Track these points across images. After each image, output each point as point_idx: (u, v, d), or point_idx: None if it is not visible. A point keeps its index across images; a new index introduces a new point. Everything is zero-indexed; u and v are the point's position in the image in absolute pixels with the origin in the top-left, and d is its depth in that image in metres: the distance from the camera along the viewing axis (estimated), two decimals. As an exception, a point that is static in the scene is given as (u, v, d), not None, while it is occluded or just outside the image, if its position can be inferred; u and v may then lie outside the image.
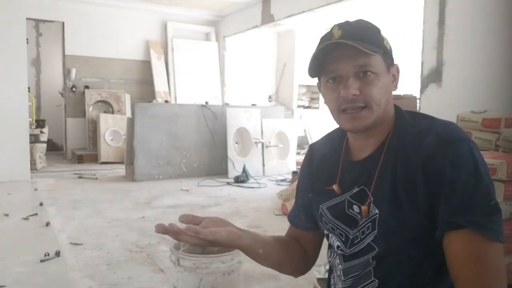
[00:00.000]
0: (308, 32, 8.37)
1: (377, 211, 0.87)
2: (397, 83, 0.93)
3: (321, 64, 0.90)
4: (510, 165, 2.16)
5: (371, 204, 0.89)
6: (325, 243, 1.07)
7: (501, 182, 2.17)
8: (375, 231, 0.88)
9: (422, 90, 4.04)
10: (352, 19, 0.94)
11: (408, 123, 0.90)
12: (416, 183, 0.82)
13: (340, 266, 0.97)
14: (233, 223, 0.94)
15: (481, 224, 0.76)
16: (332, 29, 0.90)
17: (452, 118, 3.32)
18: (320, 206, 1.01)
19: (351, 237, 0.94)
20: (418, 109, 4.00)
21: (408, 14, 6.37)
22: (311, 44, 8.45)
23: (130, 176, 5.47)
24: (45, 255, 2.56)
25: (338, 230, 0.97)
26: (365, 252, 0.90)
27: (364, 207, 0.89)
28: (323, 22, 7.73)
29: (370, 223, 0.89)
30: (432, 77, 3.93)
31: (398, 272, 0.87)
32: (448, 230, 0.79)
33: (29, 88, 6.01)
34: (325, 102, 0.95)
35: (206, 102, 6.08)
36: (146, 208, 3.97)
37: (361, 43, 0.84)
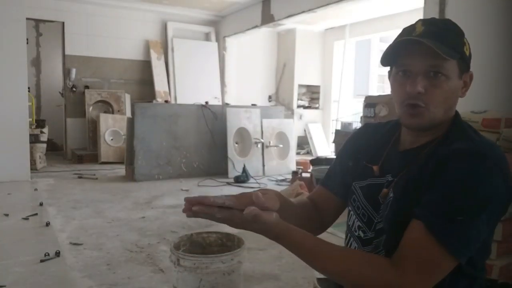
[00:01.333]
0: (308, 32, 8.37)
1: (391, 195, 0.92)
2: (466, 90, 0.94)
3: (396, 54, 0.91)
4: (510, 165, 2.15)
5: (391, 189, 0.93)
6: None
7: (501, 182, 2.17)
8: (386, 212, 0.92)
9: (422, 90, 4.03)
10: (432, 18, 0.95)
11: (462, 135, 0.89)
12: (425, 176, 0.85)
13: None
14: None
15: (434, 224, 0.78)
16: (416, 23, 0.91)
17: (452, 118, 3.31)
18: (354, 183, 1.04)
19: (375, 221, 0.96)
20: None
21: (408, 14, 6.36)
22: (311, 44, 8.46)
23: (130, 176, 5.47)
24: (45, 255, 2.56)
25: (362, 210, 1.00)
26: (379, 235, 0.94)
27: (385, 190, 0.94)
28: (323, 22, 7.74)
29: (385, 206, 0.93)
30: (432, 77, 3.93)
31: None
32: (412, 217, 0.82)
33: (29, 88, 6.01)
34: (391, 92, 0.97)
35: (206, 102, 6.07)
36: (146, 208, 3.97)
37: (440, 44, 0.84)
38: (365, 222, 0.98)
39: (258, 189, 0.99)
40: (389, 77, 0.98)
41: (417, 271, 0.77)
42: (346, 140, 1.17)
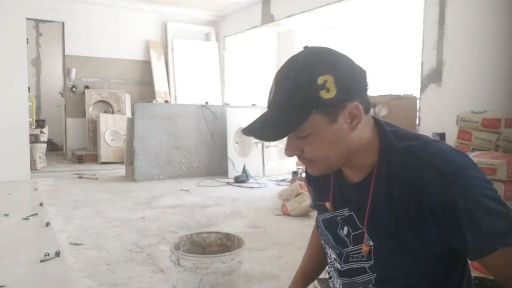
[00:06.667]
0: (308, 32, 8.36)
1: (371, 243, 0.86)
2: (358, 121, 0.82)
3: None
4: (510, 165, 2.16)
5: (366, 235, 0.87)
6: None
7: (501, 182, 2.17)
8: (371, 261, 0.87)
9: (422, 90, 4.03)
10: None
11: (395, 148, 0.84)
12: (424, 220, 0.79)
13: (339, 280, 0.97)
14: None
15: (510, 240, 0.76)
16: (273, 80, 0.90)
17: (452, 118, 3.32)
18: (318, 216, 1.04)
19: (344, 253, 0.94)
20: (418, 109, 4.00)
21: (408, 14, 6.36)
22: (311, 44, 8.45)
23: (130, 176, 5.47)
24: (45, 255, 2.56)
25: (331, 243, 0.98)
26: (361, 273, 0.90)
27: (364, 248, 0.87)
28: (323, 22, 7.73)
29: (362, 253, 0.88)
30: (432, 77, 3.93)
31: None
32: (484, 256, 0.78)
33: (29, 88, 6.01)
34: None
35: (206, 102, 6.08)
36: (146, 208, 3.97)
37: (284, 114, 0.81)
38: (338, 254, 0.96)
39: None
40: None
41: None
42: None
